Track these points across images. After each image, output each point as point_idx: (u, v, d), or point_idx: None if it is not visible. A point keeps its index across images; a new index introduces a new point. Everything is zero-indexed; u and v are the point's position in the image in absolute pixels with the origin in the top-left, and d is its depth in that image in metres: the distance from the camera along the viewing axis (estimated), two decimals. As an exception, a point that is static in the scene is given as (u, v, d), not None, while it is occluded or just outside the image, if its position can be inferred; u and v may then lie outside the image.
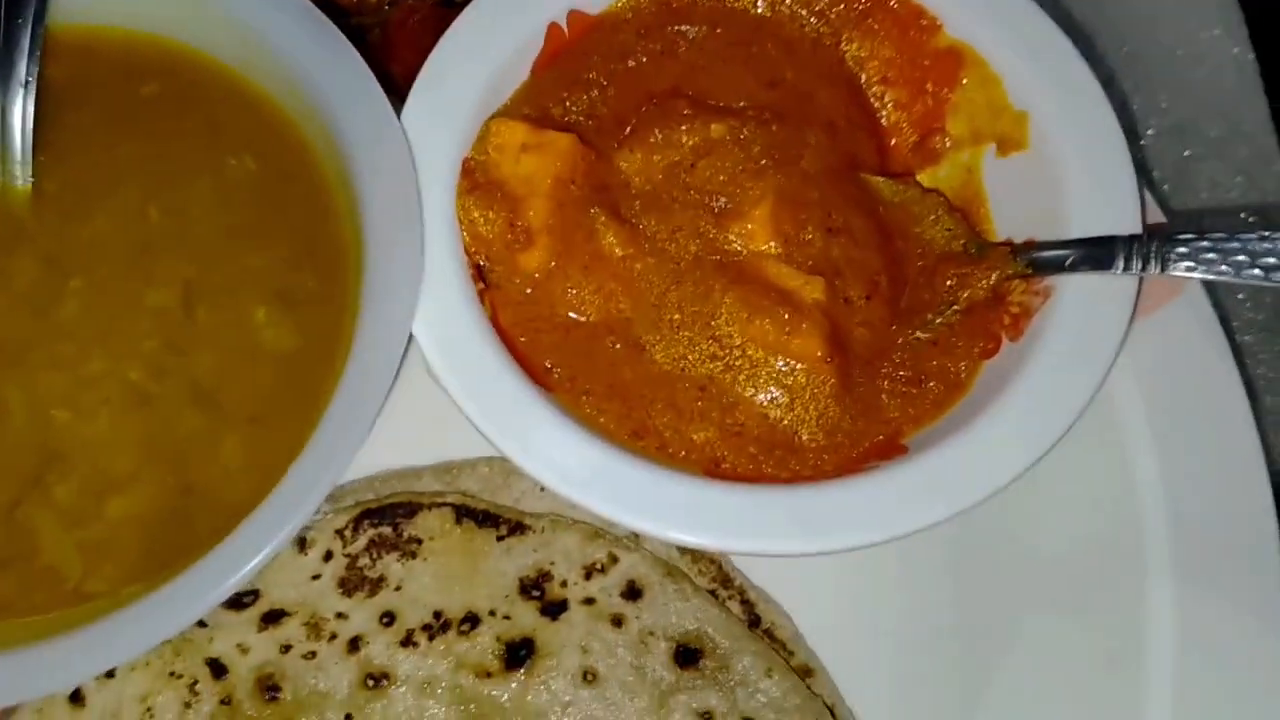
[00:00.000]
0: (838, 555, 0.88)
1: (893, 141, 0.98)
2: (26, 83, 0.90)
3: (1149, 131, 1.14)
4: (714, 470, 0.83)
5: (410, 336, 0.83)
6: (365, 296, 0.84)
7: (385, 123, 0.86)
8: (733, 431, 0.84)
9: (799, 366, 0.84)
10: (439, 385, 0.81)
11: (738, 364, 0.85)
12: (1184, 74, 1.16)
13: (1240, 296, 1.05)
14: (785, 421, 0.85)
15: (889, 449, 0.84)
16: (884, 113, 0.98)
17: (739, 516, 0.79)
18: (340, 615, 0.86)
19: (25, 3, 0.89)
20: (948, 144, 0.96)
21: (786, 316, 0.84)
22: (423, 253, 0.83)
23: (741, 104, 0.94)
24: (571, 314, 0.87)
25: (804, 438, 0.84)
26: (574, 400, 0.85)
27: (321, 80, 0.88)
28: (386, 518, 0.88)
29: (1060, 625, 0.88)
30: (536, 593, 0.87)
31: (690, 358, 0.86)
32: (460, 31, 0.91)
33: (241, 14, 0.91)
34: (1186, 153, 1.13)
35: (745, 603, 0.88)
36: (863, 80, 0.98)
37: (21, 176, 0.91)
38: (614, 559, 0.88)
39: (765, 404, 0.85)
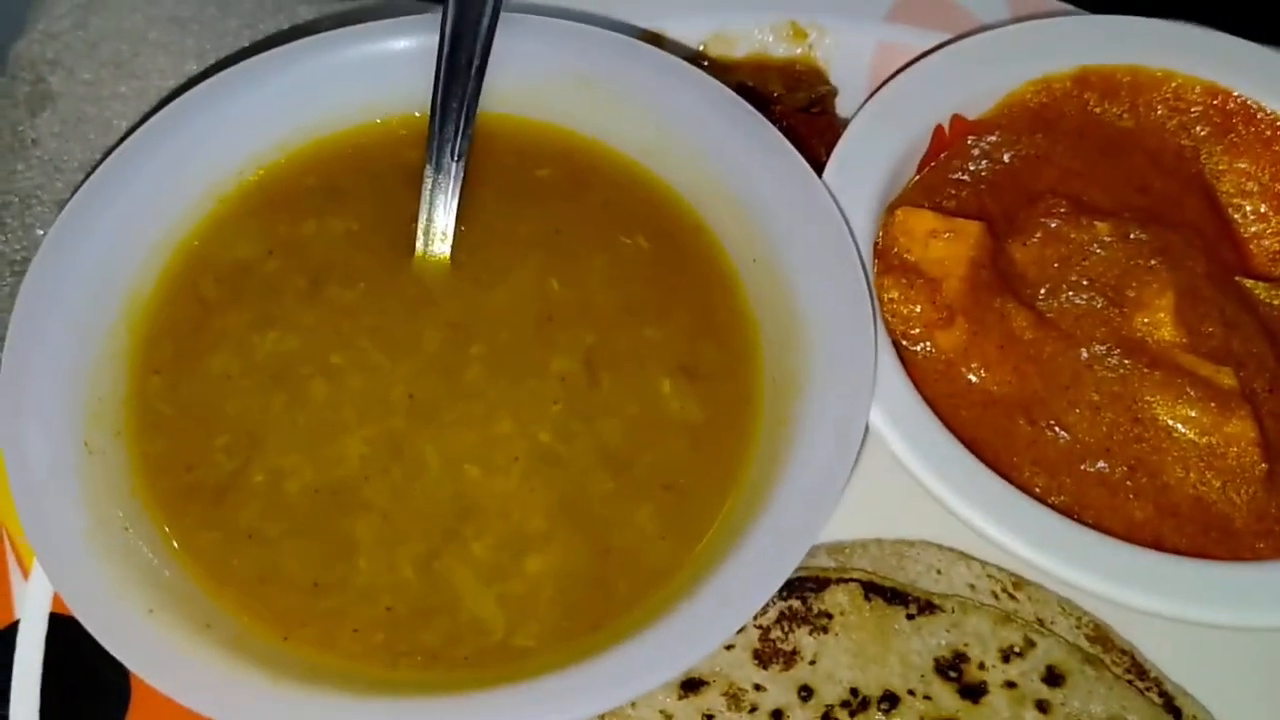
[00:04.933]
0: (1253, 653, 0.87)
1: (1252, 249, 1.01)
2: (457, 161, 0.94)
3: None
4: (1158, 549, 0.82)
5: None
6: (810, 376, 0.85)
7: (821, 208, 0.90)
8: (1169, 512, 0.84)
9: (1231, 450, 0.85)
10: (902, 466, 0.81)
11: (1164, 446, 0.86)
12: None
13: None
14: (1218, 505, 0.84)
15: (1325, 536, 0.84)
16: (1243, 224, 1.01)
17: (1195, 585, 0.78)
18: (758, 687, 0.84)
19: (460, 86, 0.95)
20: (1313, 252, 0.99)
21: (1216, 400, 0.85)
22: (875, 334, 0.84)
23: (1115, 207, 0.98)
24: (988, 390, 0.88)
25: (1237, 523, 0.84)
26: (1002, 474, 0.85)
27: (748, 164, 0.93)
28: (795, 591, 0.87)
29: None
30: (954, 674, 0.85)
31: (1114, 438, 0.86)
32: (861, 128, 0.96)
33: (663, 106, 0.96)
34: None
35: (1163, 694, 0.86)
36: (1221, 192, 1.01)
37: (444, 249, 0.94)
38: (1030, 643, 0.86)
39: (1197, 486, 0.85)
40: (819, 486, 0.80)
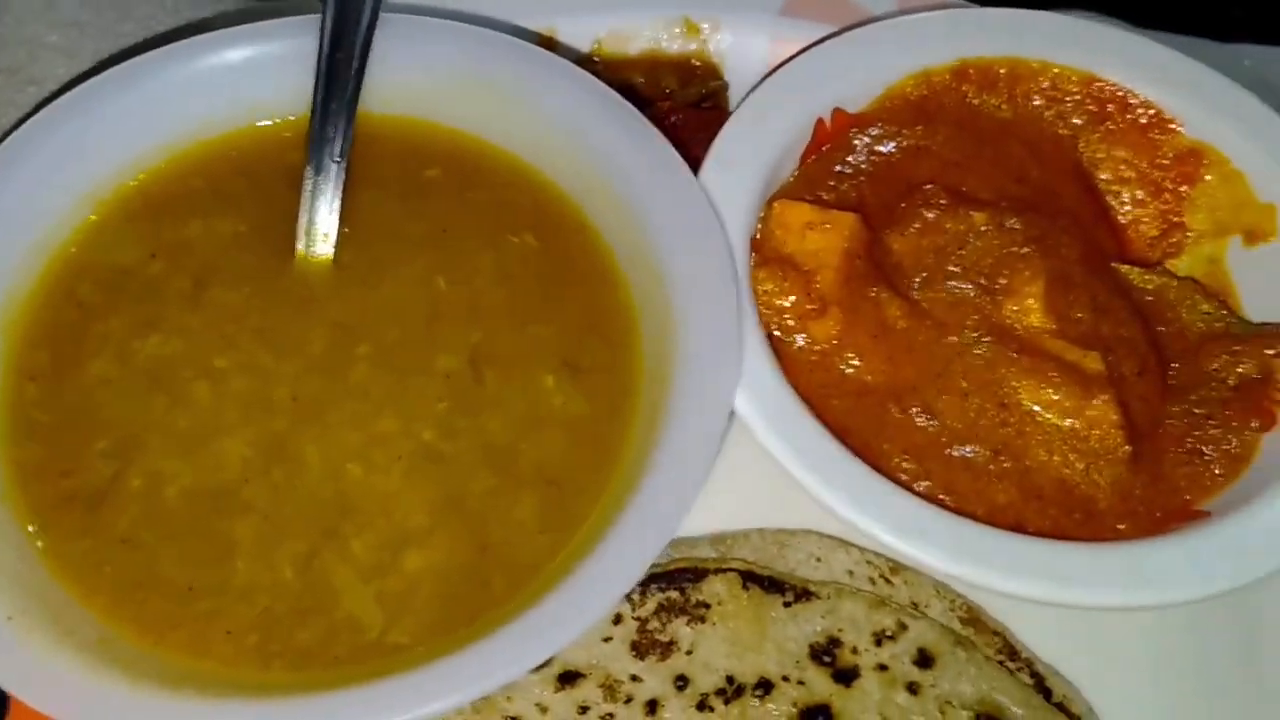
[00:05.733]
0: (1123, 631, 0.89)
1: (1130, 236, 1.03)
2: (338, 162, 0.95)
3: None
4: (1020, 532, 0.84)
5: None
6: (680, 367, 0.86)
7: (694, 201, 0.91)
8: (1033, 495, 0.86)
9: (1094, 433, 0.86)
10: (768, 453, 0.83)
11: (1029, 430, 0.88)
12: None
13: None
14: (1082, 487, 0.86)
15: (1186, 515, 0.86)
16: (1121, 210, 1.03)
17: (1056, 568, 0.80)
18: (634, 678, 0.85)
19: (341, 88, 0.95)
20: (1188, 237, 1.01)
21: (1079, 384, 0.86)
22: (743, 325, 0.86)
23: (993, 197, 0.99)
24: (861, 379, 0.90)
25: (1101, 503, 0.86)
26: (871, 462, 0.86)
27: (627, 162, 0.94)
28: (674, 583, 0.89)
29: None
30: (828, 659, 0.86)
31: (982, 423, 0.88)
32: (740, 122, 0.97)
33: (543, 102, 0.97)
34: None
35: (1034, 675, 0.88)
36: (1100, 180, 1.03)
37: (326, 249, 0.94)
38: (903, 626, 0.87)
39: (1061, 469, 0.86)
40: (682, 477, 0.82)
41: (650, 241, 0.92)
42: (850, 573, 0.91)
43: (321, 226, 0.95)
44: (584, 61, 1.15)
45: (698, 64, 1.17)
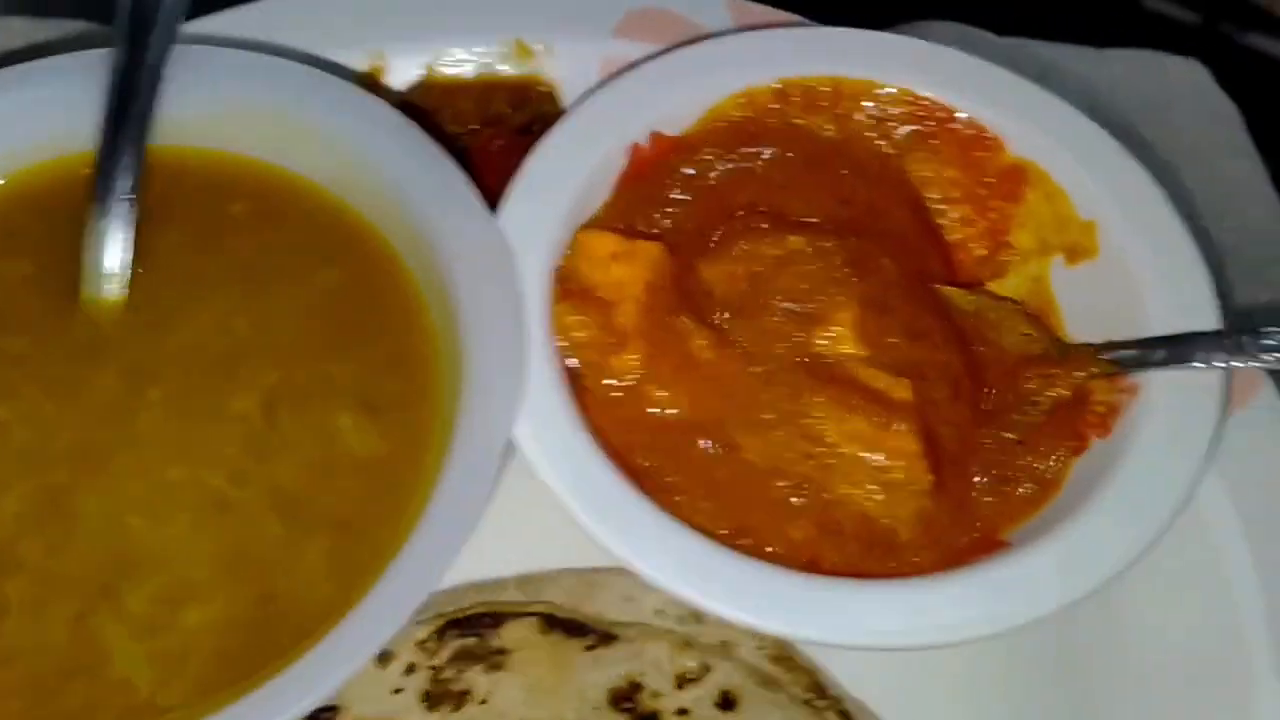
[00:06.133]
0: (930, 666, 0.86)
1: (958, 256, 1.01)
2: (127, 199, 0.91)
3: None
4: (814, 569, 0.81)
5: (508, 443, 0.82)
6: (464, 403, 0.83)
7: (485, 231, 0.89)
8: (831, 530, 0.83)
9: (895, 464, 0.84)
10: (547, 489, 0.80)
11: (831, 462, 0.85)
12: (1220, 203, 1.21)
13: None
14: (883, 519, 0.84)
15: (988, 545, 0.83)
16: (949, 229, 1.01)
17: (844, 610, 0.77)
18: (425, 730, 0.82)
19: (130, 123, 0.92)
20: (1014, 256, 0.99)
21: (881, 415, 0.84)
22: (525, 357, 0.83)
23: (816, 219, 0.97)
24: (663, 413, 0.87)
25: (902, 535, 0.84)
26: (668, 500, 0.84)
27: (419, 192, 0.91)
28: (471, 628, 0.86)
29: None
30: (628, 704, 0.84)
31: (785, 457, 0.85)
32: (550, 149, 0.94)
33: (341, 133, 0.94)
34: (1229, 273, 1.16)
35: (842, 713, 0.85)
36: (927, 199, 1.01)
37: (116, 290, 0.91)
38: (707, 668, 0.85)
39: (862, 501, 0.84)
40: (455, 518, 0.79)
41: (443, 274, 0.89)
42: (660, 611, 0.89)
43: (111, 268, 0.92)
44: (415, 88, 1.12)
45: (543, 87, 1.15)
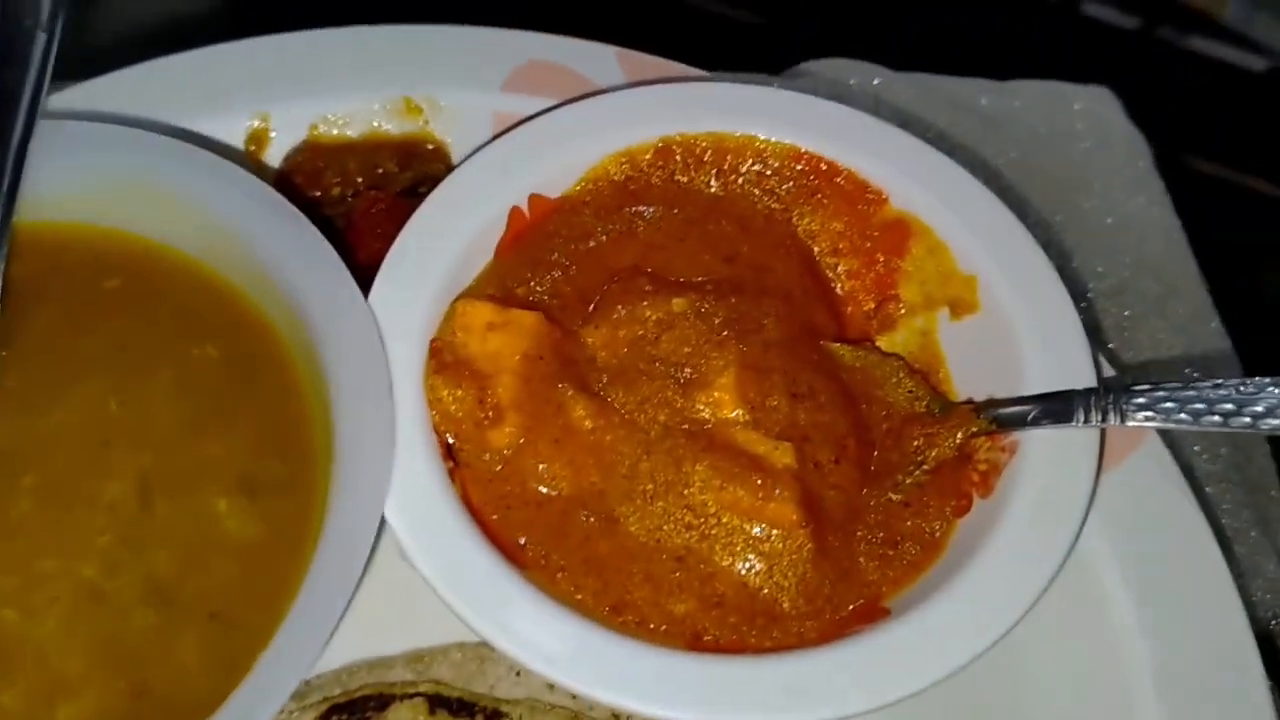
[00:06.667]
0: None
1: (849, 310, 1.01)
2: (-10, 279, 0.90)
3: (1088, 294, 1.19)
4: (697, 644, 0.81)
5: (382, 521, 0.81)
6: (335, 482, 0.83)
7: (353, 306, 0.87)
8: (713, 602, 0.83)
9: (775, 532, 0.83)
10: (413, 568, 0.79)
11: (713, 533, 0.84)
12: (1116, 240, 1.22)
13: (1196, 448, 1.07)
14: (765, 589, 0.83)
15: (870, 612, 0.83)
16: (838, 282, 1.01)
17: (723, 689, 0.76)
18: (305, 823, 0.81)
19: (-7, 201, 0.90)
20: (902, 310, 0.99)
21: (759, 482, 0.84)
22: (394, 434, 0.82)
23: (700, 279, 0.96)
24: (543, 488, 0.86)
25: (785, 605, 0.83)
26: (549, 577, 0.83)
27: (288, 267, 0.90)
28: (356, 712, 0.84)
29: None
30: (515, 786, 0.83)
31: (666, 528, 0.85)
32: (424, 217, 0.93)
33: (209, 206, 0.93)
34: (1127, 313, 1.18)
35: (736, 785, 0.84)
36: (816, 252, 1.01)
37: (-22, 374, 0.89)
38: (595, 745, 0.84)
39: (744, 572, 0.83)
40: (327, 604, 0.78)
41: (315, 349, 0.88)
42: (551, 687, 0.88)
43: (-25, 351, 0.89)
44: (300, 149, 1.11)
45: (430, 145, 1.13)
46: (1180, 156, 1.37)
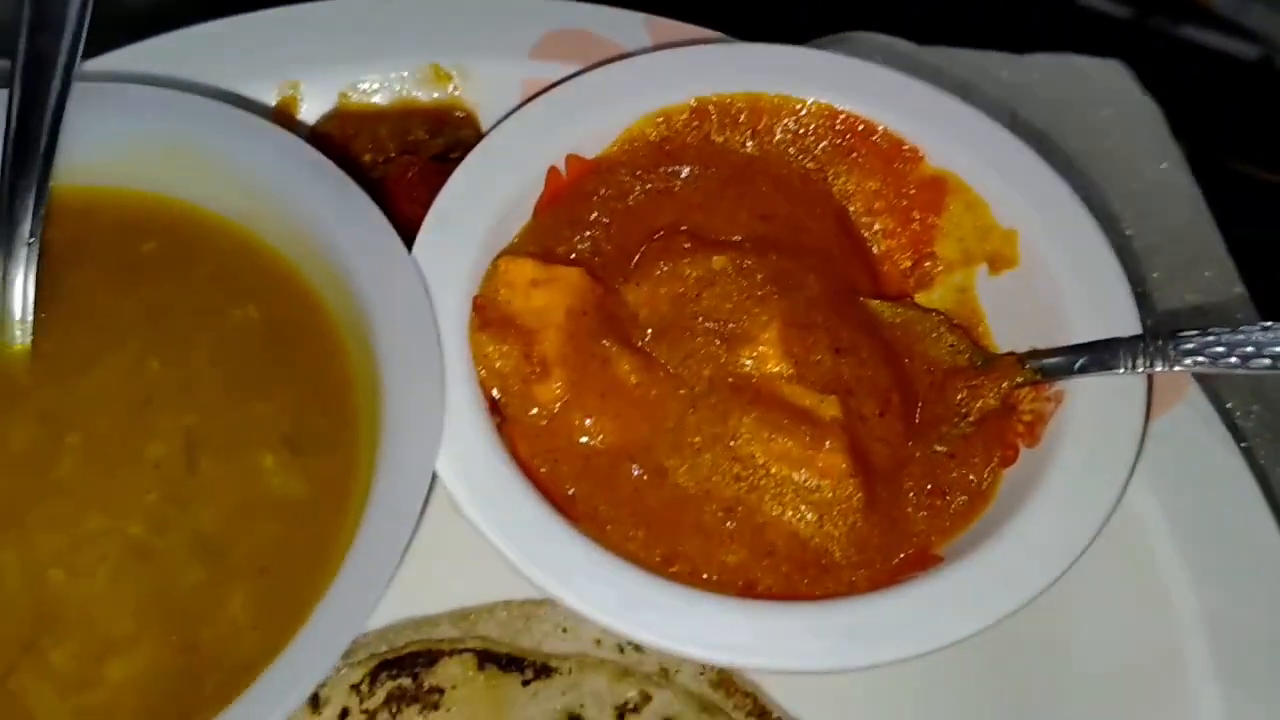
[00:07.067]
0: (875, 683, 0.86)
1: (885, 269, 1.01)
2: (30, 243, 0.89)
3: (1118, 257, 1.19)
4: (750, 593, 0.81)
5: (431, 477, 0.81)
6: (384, 438, 0.82)
7: (399, 263, 0.87)
8: (765, 552, 0.83)
9: (825, 483, 0.83)
10: (470, 523, 0.79)
11: (762, 484, 0.84)
12: (1142, 204, 1.22)
13: (1229, 405, 1.07)
14: (816, 539, 0.83)
15: (923, 560, 0.83)
16: (874, 241, 1.01)
17: (782, 634, 0.77)
18: (360, 776, 0.80)
19: (30, 165, 0.90)
20: (939, 267, 0.99)
21: (809, 433, 0.84)
22: (444, 388, 0.82)
23: (738, 238, 0.96)
24: (590, 441, 0.86)
25: (836, 555, 0.83)
26: (599, 529, 0.83)
27: (332, 225, 0.89)
28: (405, 668, 0.84)
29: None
30: (568, 739, 0.82)
31: (715, 480, 0.85)
32: (462, 178, 0.93)
33: (249, 167, 0.92)
34: (1155, 274, 1.18)
35: (785, 736, 0.84)
36: (851, 211, 1.01)
37: (21, 336, 0.89)
38: (646, 697, 0.84)
39: (794, 522, 0.83)
40: (381, 558, 0.77)
41: (360, 308, 0.88)
42: (598, 641, 0.88)
43: (15, 314, 0.89)
44: (330, 117, 1.11)
45: (460, 113, 1.13)
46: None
